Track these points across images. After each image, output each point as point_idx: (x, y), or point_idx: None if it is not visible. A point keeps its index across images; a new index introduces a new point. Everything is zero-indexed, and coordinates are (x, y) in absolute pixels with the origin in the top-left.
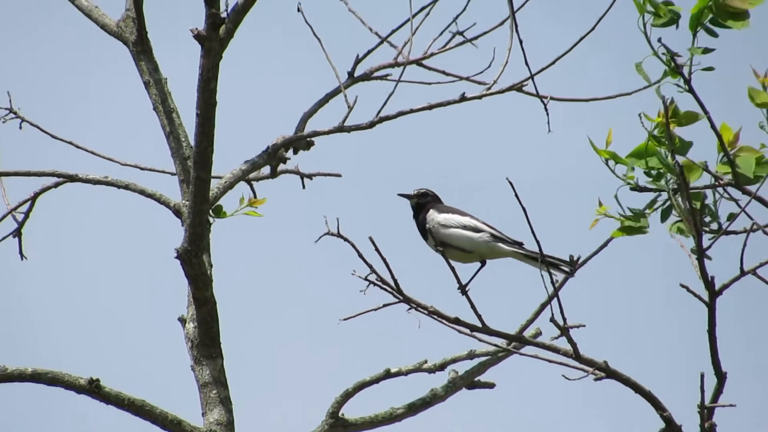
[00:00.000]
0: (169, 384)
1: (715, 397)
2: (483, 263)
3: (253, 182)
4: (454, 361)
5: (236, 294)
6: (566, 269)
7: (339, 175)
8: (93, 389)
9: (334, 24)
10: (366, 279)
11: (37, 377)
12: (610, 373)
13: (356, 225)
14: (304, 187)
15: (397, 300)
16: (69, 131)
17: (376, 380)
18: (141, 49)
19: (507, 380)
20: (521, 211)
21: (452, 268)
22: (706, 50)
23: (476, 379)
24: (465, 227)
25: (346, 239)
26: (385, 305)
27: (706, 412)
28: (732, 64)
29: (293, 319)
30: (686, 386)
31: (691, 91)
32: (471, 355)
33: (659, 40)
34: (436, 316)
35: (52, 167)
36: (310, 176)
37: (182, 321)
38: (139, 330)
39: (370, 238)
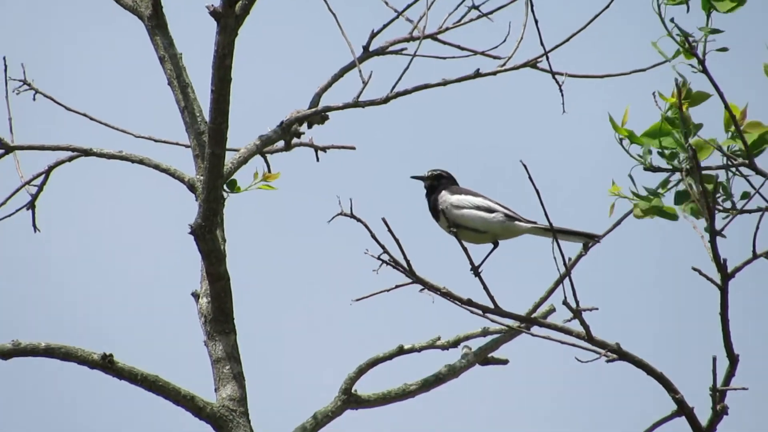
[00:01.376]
0: (182, 359)
1: (727, 380)
2: (495, 245)
3: (267, 155)
4: (467, 338)
5: (250, 269)
6: (585, 238)
7: (353, 148)
8: (106, 364)
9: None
10: (379, 258)
11: (50, 352)
12: (623, 355)
13: (369, 201)
14: (318, 159)
15: (409, 281)
16: (83, 104)
17: (389, 356)
18: (156, 24)
19: (520, 357)
20: (541, 189)
21: (465, 249)
22: (715, 30)
23: (489, 355)
24: (478, 207)
25: (359, 219)
26: (397, 286)
27: (718, 395)
28: (744, 43)
29: (307, 295)
30: (698, 369)
31: (705, 71)
32: (485, 332)
33: (672, 20)
34: (448, 297)
35: (65, 139)
36: (324, 149)
37: (195, 296)
38: (153, 305)
39: (384, 220)
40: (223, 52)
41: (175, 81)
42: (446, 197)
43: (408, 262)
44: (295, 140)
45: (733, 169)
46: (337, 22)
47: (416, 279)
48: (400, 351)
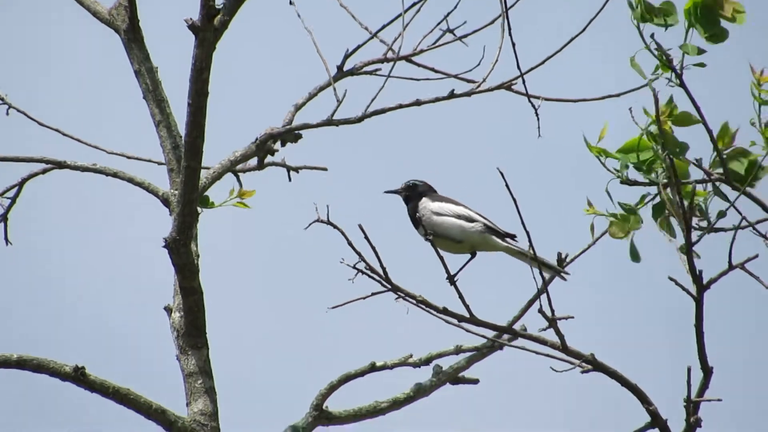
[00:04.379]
0: (154, 373)
1: (701, 392)
2: (473, 255)
3: (239, 174)
4: (440, 355)
5: (222, 284)
6: (556, 268)
7: (325, 169)
8: (78, 377)
9: (325, 18)
10: (354, 267)
11: (22, 364)
12: (597, 366)
13: (343, 219)
14: (290, 179)
15: (385, 289)
16: (58, 118)
17: (361, 373)
18: (132, 37)
19: (491, 376)
20: (510, 207)
21: (441, 257)
22: (700, 50)
23: (461, 374)
24: (458, 216)
25: (335, 226)
26: (373, 294)
27: (692, 407)
28: (726, 60)
29: (279, 310)
30: (673, 380)
31: (682, 85)
32: (457, 350)
33: (652, 35)
34: (424, 306)
35: (39, 154)
36: (296, 169)
37: (168, 310)
38: (125, 319)
39: (360, 226)
40: (200, 66)
41: (151, 95)
42: (426, 204)
43: (384, 269)
44: (268, 159)
45: (711, 186)
46: (313, 40)
47: (392, 286)
48: (372, 368)
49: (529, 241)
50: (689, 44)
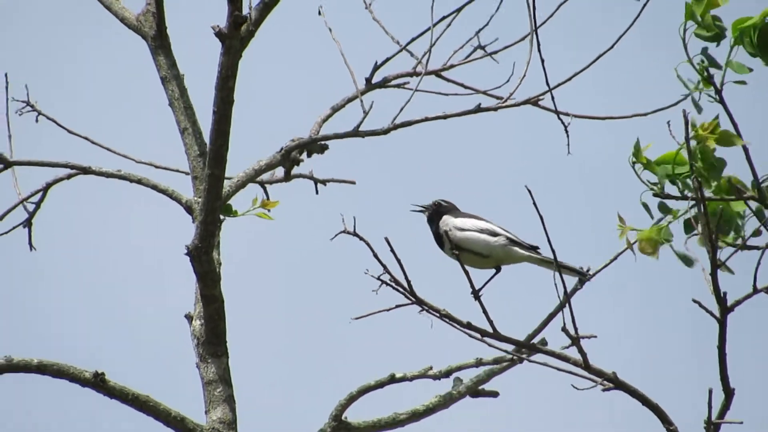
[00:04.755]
0: (174, 381)
1: (722, 414)
2: (498, 270)
3: (266, 185)
4: (460, 368)
5: (244, 293)
6: (582, 272)
7: (353, 182)
8: (98, 383)
9: (355, 29)
10: (379, 279)
11: (42, 369)
12: (619, 385)
13: (367, 231)
14: (317, 192)
15: (409, 302)
16: (85, 124)
17: (380, 385)
18: (159, 44)
19: (512, 390)
20: (535, 220)
21: (466, 272)
22: (744, 68)
23: (480, 387)
24: (481, 231)
25: (361, 238)
26: (398, 306)
27: (712, 428)
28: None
29: (300, 320)
30: (694, 401)
31: (721, 101)
32: (478, 363)
33: (706, 49)
34: (447, 320)
35: (65, 160)
36: (324, 182)
37: (189, 318)
38: (146, 326)
39: (386, 239)
40: (226, 74)
41: (177, 102)
42: (449, 220)
43: (409, 282)
44: (295, 170)
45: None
46: (341, 51)
47: (416, 299)
48: (392, 379)
49: (552, 250)
50: (734, 61)
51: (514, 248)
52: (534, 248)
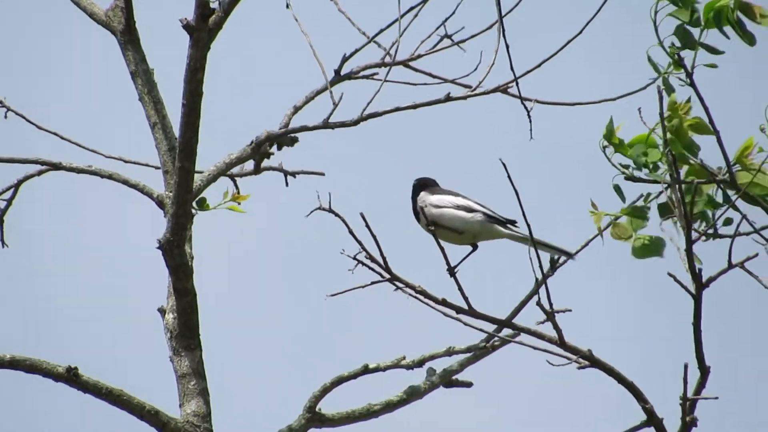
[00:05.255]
0: (148, 375)
1: (698, 391)
2: (474, 247)
3: (236, 178)
4: (432, 357)
5: (216, 286)
6: (561, 253)
7: (322, 174)
8: (71, 377)
9: (323, 21)
10: (355, 258)
11: (15, 364)
12: (594, 362)
13: (339, 222)
14: (287, 184)
15: (384, 279)
16: (54, 120)
17: (354, 375)
18: (129, 39)
19: (486, 378)
20: (511, 201)
21: (442, 249)
22: (715, 50)
23: (454, 377)
24: (458, 207)
25: (337, 214)
26: (373, 283)
27: (688, 405)
28: (736, 64)
29: (273, 312)
30: (670, 380)
31: (692, 85)
32: (449, 352)
33: (680, 26)
34: (422, 296)
35: (36, 156)
36: (293, 174)
37: (162, 312)
38: (119, 320)
39: (361, 215)
40: (195, 66)
41: (147, 96)
42: (426, 196)
43: (384, 258)
44: (265, 163)
45: (715, 187)
46: (310, 44)
47: (392, 275)
48: (365, 370)
49: (527, 224)
50: (703, 43)
51: (492, 225)
52: (511, 222)
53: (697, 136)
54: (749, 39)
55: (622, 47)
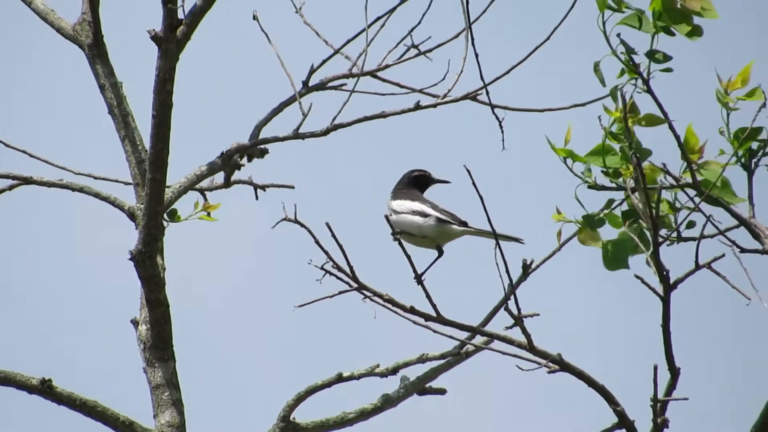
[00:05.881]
0: (122, 386)
1: (669, 392)
2: (440, 252)
3: (206, 191)
4: (406, 365)
5: (189, 297)
6: (514, 241)
7: (292, 187)
8: (45, 389)
9: (291, 32)
10: (322, 268)
11: None
12: (564, 366)
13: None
14: (257, 198)
15: (352, 288)
16: (23, 136)
17: (328, 384)
18: (97, 53)
19: (459, 385)
20: (478, 210)
21: (408, 256)
22: (666, 56)
23: (427, 385)
24: (414, 212)
25: (303, 225)
26: (340, 292)
27: (659, 406)
28: (694, 67)
29: (246, 323)
30: (641, 382)
31: (649, 90)
32: (423, 359)
33: (619, 35)
34: (391, 305)
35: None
36: (263, 187)
37: (135, 323)
38: (92, 332)
39: (327, 224)
40: (164, 77)
41: (116, 109)
42: (389, 202)
43: (351, 268)
44: (235, 176)
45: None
46: (278, 55)
47: (359, 284)
48: (339, 379)
49: (489, 221)
50: (656, 50)
51: (446, 226)
52: (463, 224)
53: (652, 139)
54: (696, 32)
55: (592, 52)
